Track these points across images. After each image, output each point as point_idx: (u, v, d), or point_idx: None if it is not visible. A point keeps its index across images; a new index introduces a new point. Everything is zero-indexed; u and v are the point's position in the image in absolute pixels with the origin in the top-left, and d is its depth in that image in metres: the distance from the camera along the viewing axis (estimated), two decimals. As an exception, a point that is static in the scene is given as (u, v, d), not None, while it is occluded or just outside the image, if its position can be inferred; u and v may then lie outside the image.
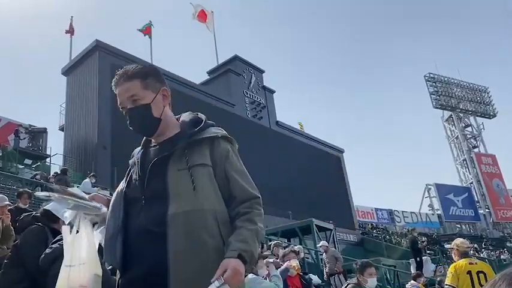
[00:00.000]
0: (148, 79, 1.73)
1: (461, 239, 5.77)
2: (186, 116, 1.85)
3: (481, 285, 4.91)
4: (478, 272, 5.12)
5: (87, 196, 1.81)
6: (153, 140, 1.80)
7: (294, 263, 5.24)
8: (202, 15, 30.13)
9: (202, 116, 1.82)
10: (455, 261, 5.49)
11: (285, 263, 4.92)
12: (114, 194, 1.77)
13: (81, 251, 1.63)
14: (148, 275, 1.53)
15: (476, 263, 5.34)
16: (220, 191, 1.66)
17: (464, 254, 5.44)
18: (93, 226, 1.73)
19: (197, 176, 1.62)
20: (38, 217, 3.53)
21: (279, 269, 5.60)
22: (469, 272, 5.13)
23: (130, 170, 1.79)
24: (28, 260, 3.16)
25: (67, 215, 1.74)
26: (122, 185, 1.77)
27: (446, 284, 5.36)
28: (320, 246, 11.40)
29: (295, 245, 10.42)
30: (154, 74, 1.79)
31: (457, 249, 5.50)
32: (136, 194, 1.68)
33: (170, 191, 1.60)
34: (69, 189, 1.81)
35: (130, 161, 1.82)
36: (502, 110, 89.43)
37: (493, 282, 0.68)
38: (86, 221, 1.71)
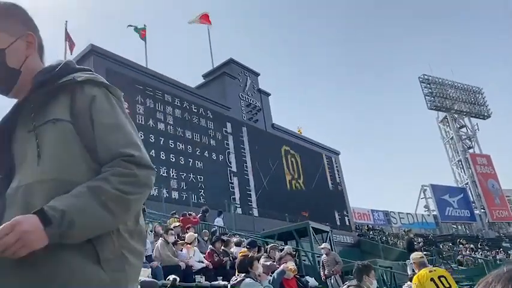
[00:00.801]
0: (6, 20, 1.35)
1: (415, 253, 6.33)
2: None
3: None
4: (439, 277, 5.66)
5: None
6: None
7: (291, 265, 5.24)
8: (205, 18, 30.54)
9: (69, 61, 1.42)
10: (416, 273, 5.93)
11: (282, 265, 4.92)
12: None
13: None
14: None
15: (435, 270, 5.91)
16: (88, 152, 1.25)
17: (422, 265, 5.93)
18: None
19: (44, 136, 1.24)
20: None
21: (275, 271, 5.60)
22: (432, 279, 5.63)
23: None
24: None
25: None
26: None
27: None
28: (322, 248, 11.45)
29: (285, 247, 10.44)
30: (18, 14, 1.39)
31: (415, 262, 6.01)
32: None
33: (16, 162, 1.27)
34: None
35: None
36: (496, 111, 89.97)
37: (486, 283, 0.66)
38: None
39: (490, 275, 0.68)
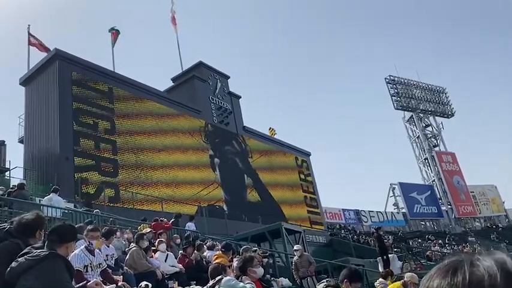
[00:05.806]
0: None
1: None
2: None
3: None
4: None
5: None
6: None
7: None
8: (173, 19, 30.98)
9: None
10: None
11: None
12: None
13: None
14: None
15: None
16: None
17: None
18: None
19: None
20: (12, 232, 3.36)
21: None
22: None
23: None
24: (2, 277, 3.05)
25: None
26: None
27: None
28: (297, 250, 11.40)
29: (253, 248, 10.41)
30: None
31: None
32: None
33: None
34: None
35: None
36: (459, 109, 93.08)
37: (430, 276, 0.72)
38: None
39: (434, 268, 0.73)
